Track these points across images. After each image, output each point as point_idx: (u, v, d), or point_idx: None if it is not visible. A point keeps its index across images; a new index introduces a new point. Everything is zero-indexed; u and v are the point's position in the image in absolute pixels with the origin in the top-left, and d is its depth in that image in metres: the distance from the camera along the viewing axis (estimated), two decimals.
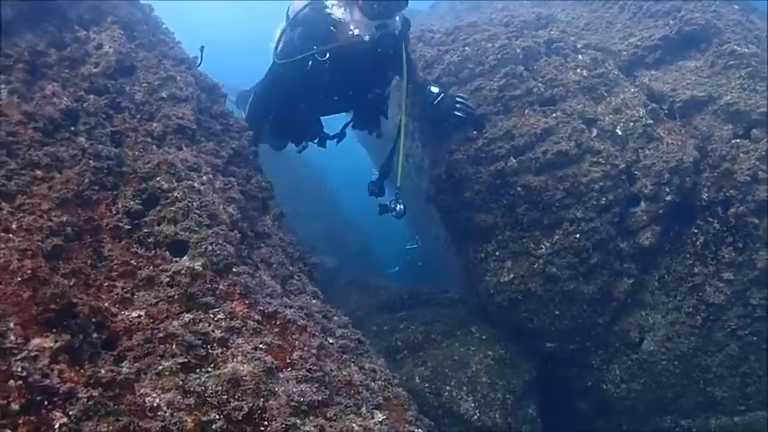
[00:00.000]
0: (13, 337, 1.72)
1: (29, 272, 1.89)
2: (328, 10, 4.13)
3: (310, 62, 4.03)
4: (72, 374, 1.78)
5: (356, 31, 4.03)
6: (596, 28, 5.38)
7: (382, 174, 4.65)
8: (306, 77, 4.13)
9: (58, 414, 1.65)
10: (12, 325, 1.75)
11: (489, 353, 4.41)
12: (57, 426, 1.62)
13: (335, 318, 2.94)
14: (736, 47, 4.74)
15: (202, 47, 3.56)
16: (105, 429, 1.72)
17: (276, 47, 4.27)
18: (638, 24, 5.24)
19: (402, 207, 4.16)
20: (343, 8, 4.06)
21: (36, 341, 1.77)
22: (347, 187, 12.53)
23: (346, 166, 13.26)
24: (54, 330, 1.83)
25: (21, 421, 1.58)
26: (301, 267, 3.25)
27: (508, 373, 4.35)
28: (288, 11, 4.44)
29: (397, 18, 4.19)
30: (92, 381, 1.80)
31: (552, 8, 5.76)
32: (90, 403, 1.73)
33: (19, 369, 1.65)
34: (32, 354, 1.73)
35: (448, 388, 4.20)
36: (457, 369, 4.30)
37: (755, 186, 4.01)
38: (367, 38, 3.98)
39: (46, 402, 1.67)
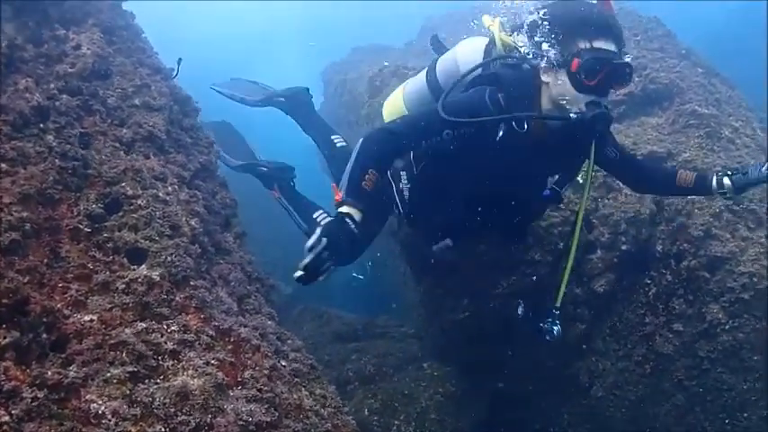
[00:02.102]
0: None
1: None
2: (527, 66, 3.22)
3: (501, 131, 3.13)
4: (18, 373, 1.73)
5: (562, 103, 3.08)
6: None
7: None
8: (482, 149, 3.18)
9: (0, 412, 1.60)
10: None
11: (440, 389, 4.42)
12: None
13: (289, 341, 2.90)
14: (696, 107, 4.96)
15: (180, 59, 3.56)
16: None
17: (443, 100, 3.12)
18: None
19: (559, 329, 3.48)
20: (547, 72, 3.10)
21: None
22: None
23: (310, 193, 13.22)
24: (3, 326, 1.78)
25: None
26: (258, 288, 3.22)
27: (458, 410, 4.35)
28: (442, 57, 3.69)
29: None
30: (38, 381, 1.75)
31: None
32: (34, 404, 1.67)
33: None
34: None
35: (396, 422, 4.18)
36: (407, 404, 4.29)
37: (708, 242, 4.16)
38: (574, 115, 3.01)
39: None
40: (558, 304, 3.49)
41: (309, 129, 4.73)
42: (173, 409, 1.89)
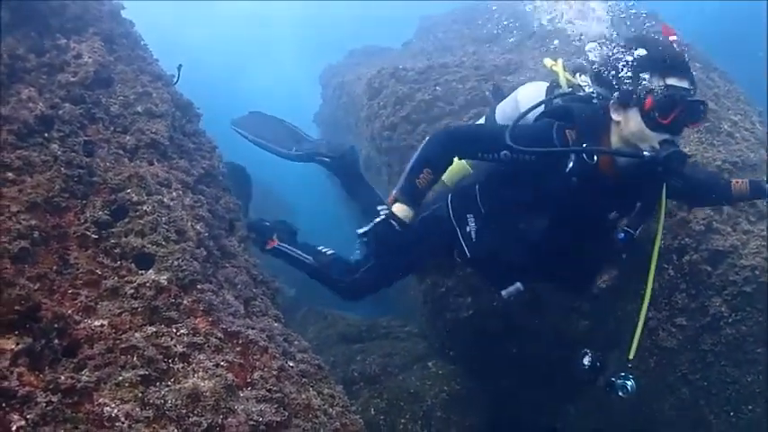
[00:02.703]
0: None
1: None
2: (595, 101, 3.16)
3: (571, 163, 3.05)
4: (32, 378, 1.75)
5: (633, 141, 2.98)
6: None
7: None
8: (550, 183, 3.11)
9: (15, 417, 1.62)
10: None
11: (445, 388, 4.44)
12: (14, 428, 1.59)
13: (296, 342, 2.93)
14: None
15: (180, 65, 3.58)
16: None
17: (511, 129, 3.06)
18: None
19: (633, 384, 3.29)
20: (617, 110, 3.00)
21: None
22: (310, 219, 12.57)
23: (311, 196, 13.29)
24: (16, 332, 1.81)
25: None
26: (264, 291, 3.25)
27: (463, 408, 4.38)
28: (502, 102, 3.62)
29: None
30: (51, 386, 1.77)
31: (523, 55, 5.96)
32: (48, 408, 1.70)
33: None
34: None
35: (403, 421, 4.21)
36: (412, 403, 4.32)
37: (710, 235, 4.19)
38: (647, 153, 2.91)
39: (4, 404, 1.63)
40: (631, 356, 3.32)
41: (355, 195, 4.33)
42: (184, 411, 1.91)
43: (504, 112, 3.53)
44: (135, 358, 2.01)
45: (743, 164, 4.51)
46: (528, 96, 3.45)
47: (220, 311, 2.44)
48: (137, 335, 2.08)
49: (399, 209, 3.06)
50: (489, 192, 3.44)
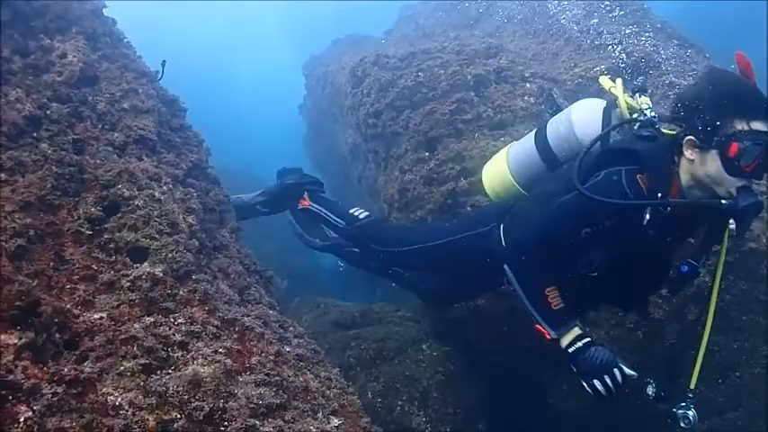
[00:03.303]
0: None
1: None
2: (662, 137, 2.97)
3: (648, 216, 2.84)
4: (36, 371, 1.80)
5: (706, 182, 2.82)
6: (543, 58, 5.67)
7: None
8: (625, 235, 2.92)
9: (23, 408, 1.67)
10: None
11: (440, 369, 4.52)
12: (22, 419, 1.63)
13: (291, 328, 2.99)
14: (674, 78, 5.07)
15: (163, 61, 3.61)
16: (69, 425, 1.74)
17: (578, 172, 2.89)
18: (583, 56, 5.54)
19: (695, 414, 3.06)
20: (691, 149, 2.81)
21: (1, 337, 1.79)
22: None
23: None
24: (18, 327, 1.85)
25: None
26: (258, 279, 3.30)
27: (459, 388, 4.45)
28: (555, 120, 3.39)
29: None
30: (55, 378, 1.82)
31: (502, 39, 6.02)
32: (54, 399, 1.75)
33: None
34: None
35: (400, 403, 4.28)
36: (409, 385, 4.39)
37: None
38: (725, 201, 2.73)
39: (10, 397, 1.68)
40: (692, 386, 3.13)
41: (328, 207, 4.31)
42: (186, 397, 1.97)
43: (559, 132, 3.30)
44: (135, 348, 2.06)
45: None
46: (583, 121, 3.22)
47: (216, 300, 2.49)
48: (136, 326, 2.13)
49: (568, 337, 2.88)
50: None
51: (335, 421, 2.39)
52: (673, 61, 5.40)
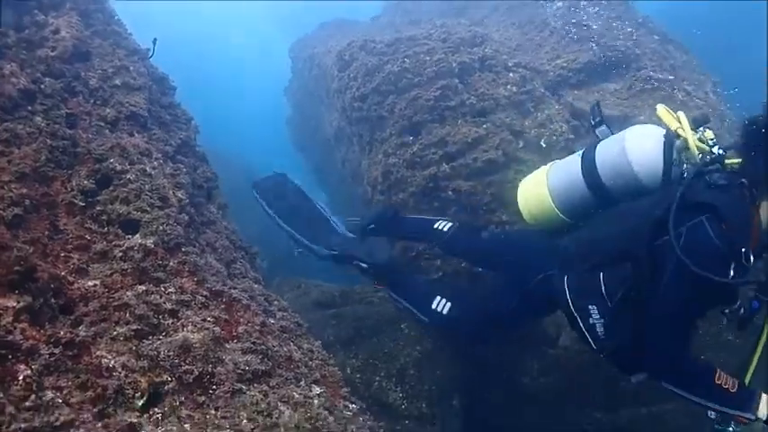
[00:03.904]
0: None
1: None
2: (735, 184, 2.78)
3: (732, 271, 2.67)
4: (34, 333, 1.89)
5: None
6: (527, 49, 5.77)
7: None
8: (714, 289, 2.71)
9: (21, 367, 1.76)
10: None
11: (418, 347, 4.63)
12: (21, 377, 1.72)
13: (276, 302, 3.11)
14: (651, 73, 5.22)
15: (155, 39, 3.66)
16: (65, 384, 1.83)
17: (678, 237, 2.68)
18: (565, 48, 5.66)
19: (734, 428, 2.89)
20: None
21: (0, 300, 1.88)
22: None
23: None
24: (16, 292, 1.94)
25: None
26: (243, 255, 3.40)
27: (434, 366, 4.58)
28: (605, 146, 3.21)
29: None
30: (52, 340, 1.91)
31: (488, 28, 6.12)
32: (51, 360, 1.84)
33: None
34: None
35: (378, 378, 4.40)
36: (387, 362, 4.51)
37: None
38: None
39: (10, 357, 1.77)
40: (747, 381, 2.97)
41: (413, 232, 4.34)
42: (177, 361, 2.08)
43: (610, 161, 3.12)
44: (128, 315, 2.16)
45: None
46: (642, 151, 3.04)
47: (205, 272, 2.59)
48: (128, 293, 2.23)
49: (763, 409, 2.72)
50: (621, 286, 2.97)
51: (317, 389, 2.51)
52: (652, 56, 5.54)
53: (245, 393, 2.16)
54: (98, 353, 2.01)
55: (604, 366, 4.54)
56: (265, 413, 2.14)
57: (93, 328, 2.06)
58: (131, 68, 3.26)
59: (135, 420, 1.87)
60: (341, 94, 5.51)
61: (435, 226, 4.05)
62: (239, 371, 2.21)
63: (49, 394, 1.75)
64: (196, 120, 3.75)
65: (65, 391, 1.82)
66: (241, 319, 2.52)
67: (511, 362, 4.79)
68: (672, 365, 2.90)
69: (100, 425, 1.80)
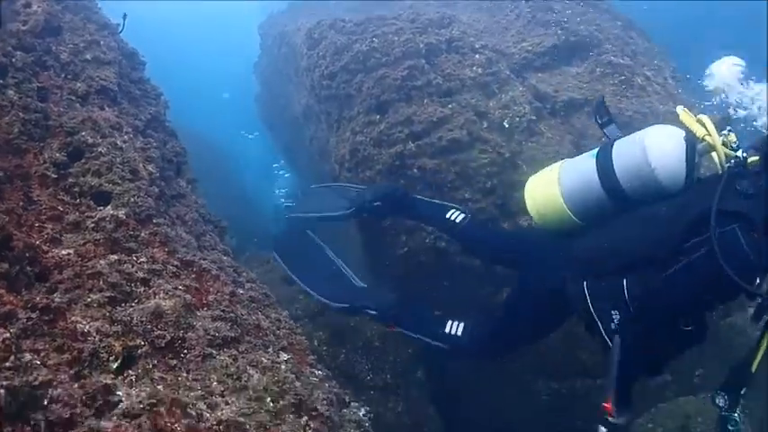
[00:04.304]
0: None
1: None
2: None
3: (759, 280, 2.72)
4: (11, 299, 1.96)
5: None
6: (493, 31, 5.88)
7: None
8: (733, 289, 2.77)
9: (0, 330, 1.84)
10: None
11: None
12: (0, 339, 1.81)
13: (244, 273, 3.21)
14: (612, 58, 5.38)
15: (125, 14, 3.69)
16: (42, 347, 1.92)
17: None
18: (531, 32, 5.78)
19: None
20: None
21: None
22: (248, 170, 12.72)
23: (249, 151, 13.40)
24: None
25: None
26: (213, 228, 3.49)
27: (399, 339, 4.72)
28: (623, 147, 3.17)
29: None
30: (29, 305, 1.99)
31: (456, 10, 6.21)
32: (29, 324, 1.92)
33: None
34: None
35: (344, 351, 4.54)
36: (352, 335, 4.65)
37: None
38: None
39: None
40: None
41: (420, 217, 4.37)
42: (149, 326, 2.17)
43: (631, 166, 3.08)
44: (101, 282, 2.24)
45: (651, 114, 4.93)
46: (662, 150, 3.02)
47: (175, 243, 2.68)
48: (101, 262, 2.31)
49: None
50: (645, 292, 2.95)
51: (284, 356, 2.63)
52: (614, 41, 5.70)
53: (215, 358, 2.27)
54: (73, 318, 2.09)
55: (561, 340, 4.77)
56: (235, 376, 2.25)
57: (67, 295, 2.14)
58: (102, 43, 3.30)
59: (110, 382, 1.96)
60: (310, 72, 5.58)
61: (448, 215, 4.04)
62: (209, 336, 2.31)
63: (27, 356, 1.82)
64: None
65: (42, 354, 1.90)
66: (211, 289, 2.62)
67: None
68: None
69: (76, 385, 1.88)
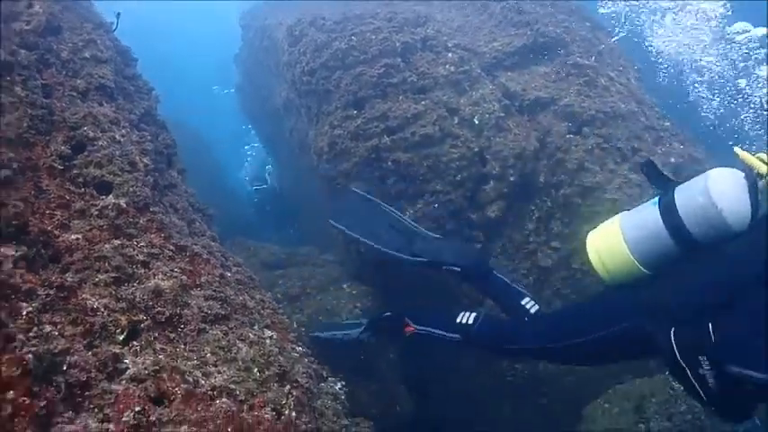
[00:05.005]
0: None
1: None
2: None
3: None
4: (30, 277, 2.23)
5: None
6: (466, 31, 6.17)
7: None
8: None
9: (23, 305, 2.10)
10: None
11: (358, 304, 5.07)
12: (24, 312, 2.07)
13: (231, 258, 3.48)
14: (578, 59, 5.70)
15: (118, 13, 3.91)
16: (59, 320, 2.19)
17: None
18: (502, 32, 6.08)
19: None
20: None
21: (1, 249, 2.21)
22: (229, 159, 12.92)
23: (230, 140, 13.58)
24: (13, 243, 2.27)
25: None
26: (201, 216, 3.75)
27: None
28: (684, 193, 3.12)
29: None
30: (46, 283, 2.26)
31: (431, 8, 6.48)
32: (47, 299, 2.19)
33: None
34: None
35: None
36: (329, 317, 4.93)
37: (581, 173, 4.97)
38: None
39: (13, 296, 2.11)
40: None
41: (490, 294, 4.35)
42: (151, 303, 2.45)
43: (696, 204, 3.05)
44: (107, 264, 2.51)
45: (613, 113, 5.28)
46: (727, 194, 3.00)
47: (170, 229, 2.95)
48: (106, 246, 2.57)
49: None
50: (730, 334, 2.89)
51: (269, 332, 2.92)
52: (581, 42, 6.01)
53: (208, 332, 2.56)
54: (83, 295, 2.36)
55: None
56: (226, 349, 2.54)
57: (78, 275, 2.41)
58: (98, 42, 3.52)
59: (118, 351, 2.24)
60: (291, 67, 5.82)
61: (523, 302, 4.03)
62: (203, 313, 2.60)
63: (48, 327, 2.10)
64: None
65: (59, 326, 2.17)
66: (202, 271, 2.89)
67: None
68: None
69: (90, 354, 2.17)
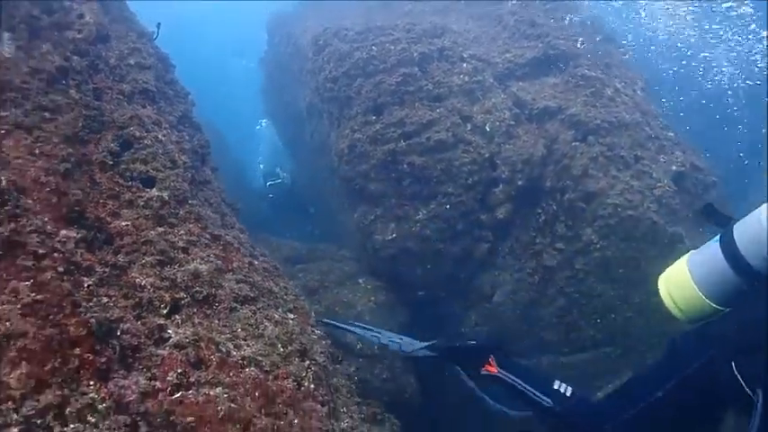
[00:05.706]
0: (49, 228, 2.50)
1: (53, 185, 2.67)
2: None
3: None
4: (89, 256, 2.57)
5: None
6: (482, 41, 6.46)
7: None
8: None
9: (85, 279, 2.45)
10: (46, 219, 2.53)
11: (372, 298, 5.39)
12: (86, 285, 2.41)
13: (258, 248, 3.82)
14: (586, 71, 5.96)
15: (158, 24, 4.27)
16: (114, 294, 2.53)
17: None
18: (515, 43, 6.37)
19: None
20: None
21: (64, 232, 2.55)
22: (249, 158, 13.24)
23: (251, 139, 13.88)
24: (74, 227, 2.62)
25: (65, 278, 2.38)
26: (231, 210, 4.09)
27: (387, 314, 5.34)
28: (743, 229, 3.14)
29: None
30: (102, 262, 2.60)
31: (448, 18, 6.80)
32: (104, 275, 2.53)
33: (59, 246, 2.45)
34: (63, 239, 2.51)
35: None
36: (345, 309, 5.25)
37: (585, 179, 5.24)
38: None
39: (76, 272, 2.45)
40: None
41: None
42: (190, 284, 2.78)
43: (754, 239, 3.09)
44: (152, 248, 2.85)
45: (618, 123, 5.54)
46: None
47: (206, 220, 3.29)
48: (151, 233, 2.91)
49: None
50: None
51: (291, 315, 3.25)
52: (590, 55, 6.29)
53: (239, 311, 2.89)
54: (133, 274, 2.70)
55: (527, 320, 5.41)
56: (254, 326, 2.87)
57: (128, 257, 2.75)
58: (142, 50, 3.88)
59: (162, 322, 2.58)
60: (315, 74, 6.17)
61: (556, 387, 3.70)
62: (234, 294, 2.93)
63: (104, 299, 2.45)
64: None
65: (113, 298, 2.51)
66: (234, 258, 3.23)
67: (453, 314, 5.59)
68: None
69: (139, 323, 2.51)
